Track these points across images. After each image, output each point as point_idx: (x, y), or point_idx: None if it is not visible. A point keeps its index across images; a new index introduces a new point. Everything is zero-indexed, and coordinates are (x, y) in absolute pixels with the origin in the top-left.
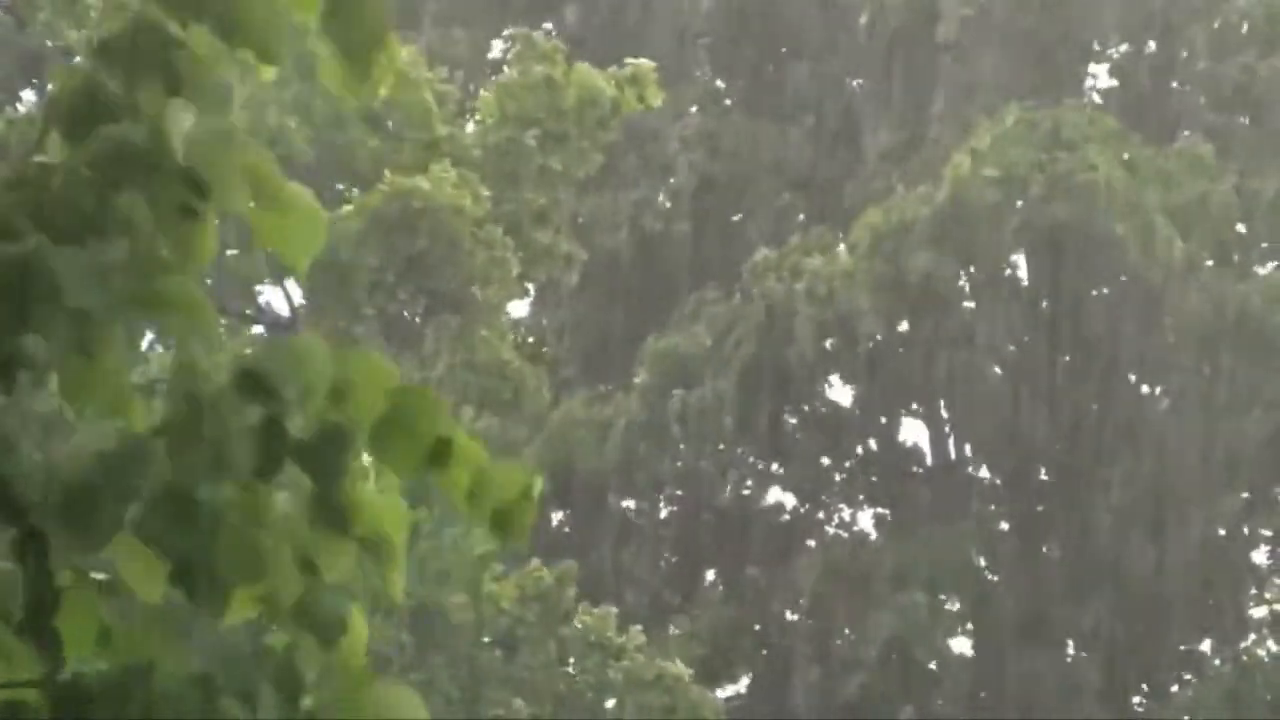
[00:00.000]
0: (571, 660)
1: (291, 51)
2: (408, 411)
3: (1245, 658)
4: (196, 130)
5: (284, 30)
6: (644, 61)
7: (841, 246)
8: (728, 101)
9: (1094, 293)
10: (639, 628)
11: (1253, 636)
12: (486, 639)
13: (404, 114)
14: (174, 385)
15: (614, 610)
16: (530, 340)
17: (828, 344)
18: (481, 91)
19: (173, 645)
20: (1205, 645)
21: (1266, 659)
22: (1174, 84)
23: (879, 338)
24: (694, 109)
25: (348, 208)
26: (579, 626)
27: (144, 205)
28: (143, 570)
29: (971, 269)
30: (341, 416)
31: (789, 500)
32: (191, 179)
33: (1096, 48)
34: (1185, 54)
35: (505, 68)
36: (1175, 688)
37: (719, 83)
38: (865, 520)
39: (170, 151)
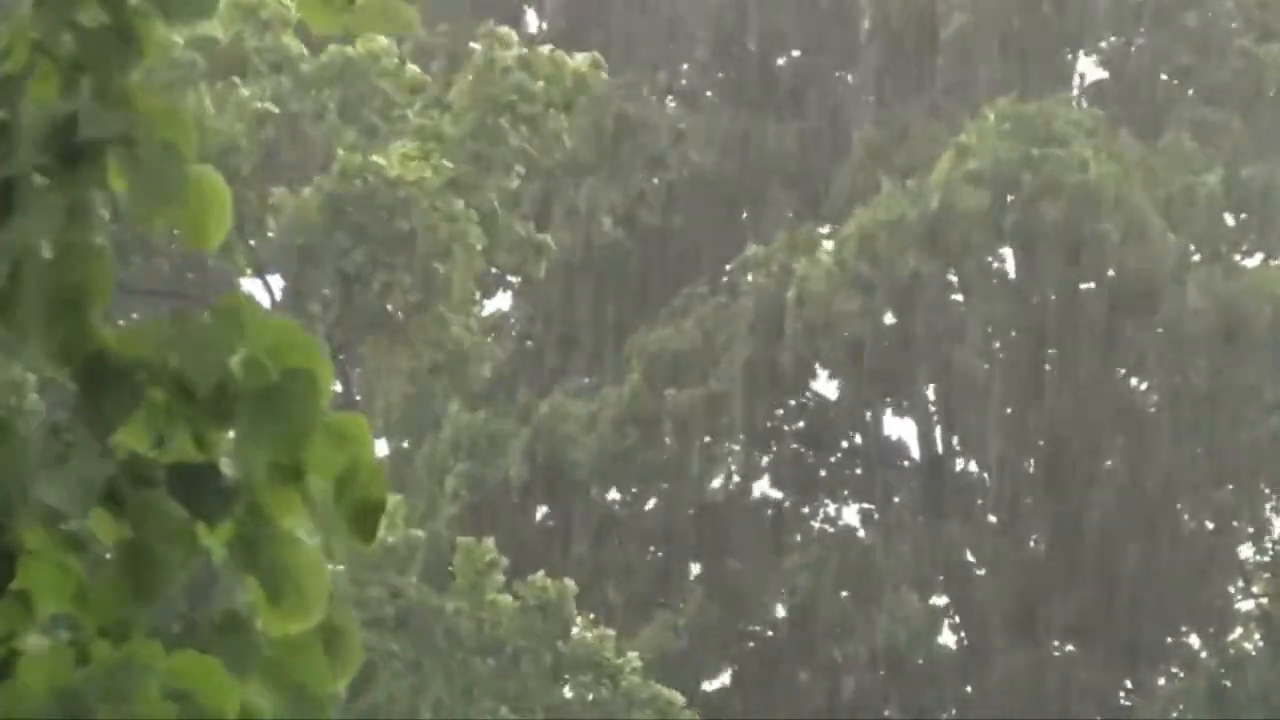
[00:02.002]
0: (566, 676)
1: (267, 48)
2: (287, 389)
3: (1233, 652)
4: (136, 93)
5: None
6: (594, 53)
7: (828, 244)
8: (712, 95)
9: (1083, 288)
10: (636, 654)
11: (1240, 631)
12: (482, 647)
13: (379, 104)
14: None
15: (612, 633)
16: (514, 332)
17: (818, 344)
18: (455, 84)
19: (143, 600)
20: (1193, 640)
21: (1254, 653)
22: (1163, 77)
23: (868, 336)
24: (673, 102)
25: (306, 190)
26: (577, 640)
27: (60, 193)
28: (109, 525)
29: (959, 266)
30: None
31: (776, 496)
32: (130, 142)
33: (1086, 41)
34: (1174, 46)
35: (470, 59)
36: (1162, 682)
37: (708, 77)
38: (852, 516)
39: (105, 120)
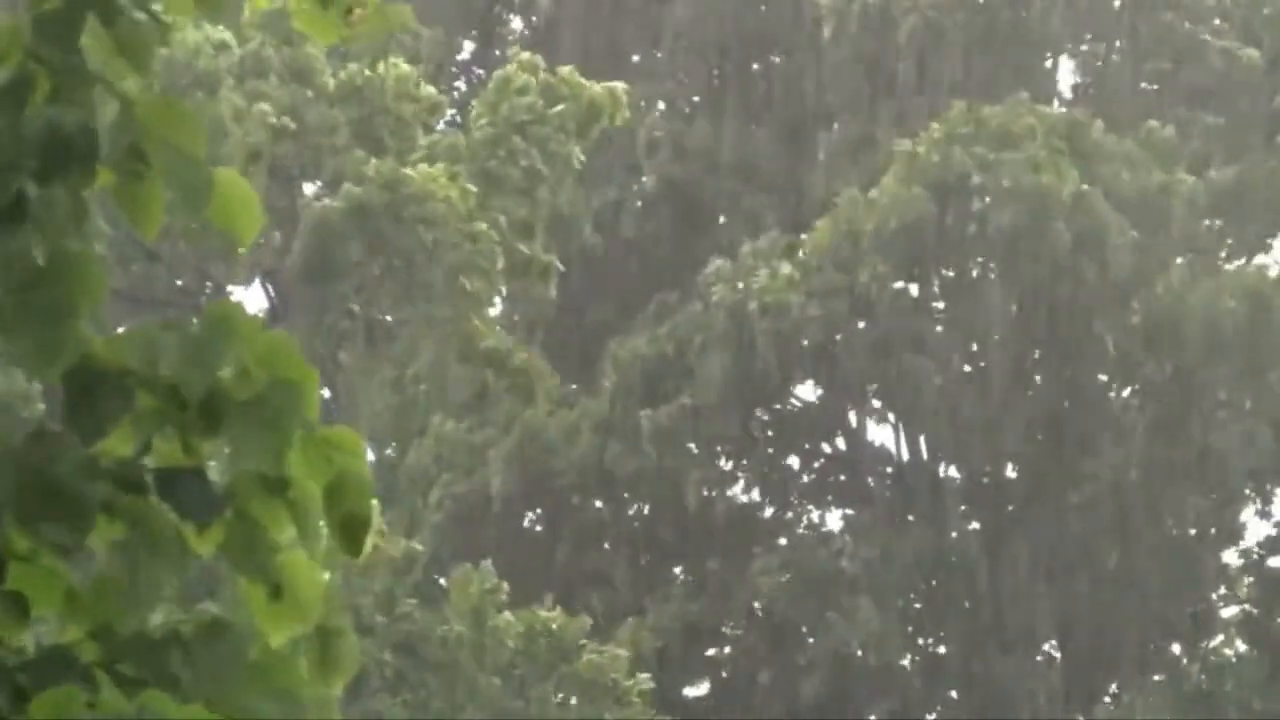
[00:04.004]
0: (573, 699)
1: (281, 56)
2: (274, 400)
3: (1213, 658)
4: (141, 104)
5: None
6: (619, 84)
7: (786, 264)
8: (696, 98)
9: (1056, 293)
10: (647, 675)
11: (1220, 637)
12: (488, 668)
13: (391, 122)
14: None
15: (624, 654)
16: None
17: (786, 352)
18: (473, 102)
19: (132, 605)
20: (1175, 646)
21: (1234, 659)
22: (1141, 81)
23: (839, 342)
24: (661, 106)
25: (329, 202)
26: (584, 664)
27: (66, 193)
28: (101, 529)
29: (922, 272)
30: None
31: (757, 503)
32: (135, 153)
33: (1064, 44)
34: (1153, 48)
35: (480, 71)
36: (1143, 688)
37: (685, 81)
38: (833, 520)
39: (108, 128)
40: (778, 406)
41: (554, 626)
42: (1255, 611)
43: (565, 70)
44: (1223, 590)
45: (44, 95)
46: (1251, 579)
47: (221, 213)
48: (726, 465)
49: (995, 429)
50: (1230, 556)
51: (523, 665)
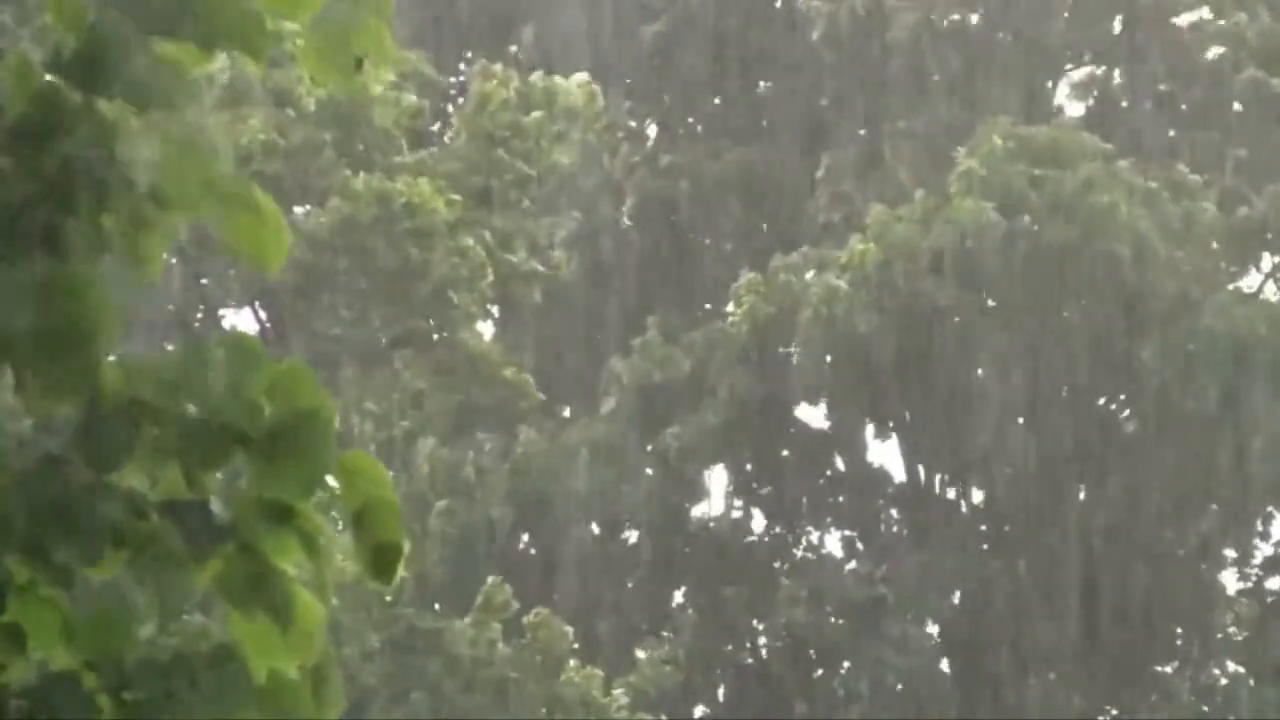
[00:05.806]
0: (558, 716)
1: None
2: (300, 430)
3: (1204, 679)
4: (161, 142)
5: (263, 30)
6: (582, 75)
7: (835, 277)
8: (689, 119)
9: (1065, 315)
10: (621, 690)
11: (1225, 659)
12: (470, 684)
13: (374, 136)
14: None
15: (600, 673)
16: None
17: (821, 371)
18: (452, 120)
19: (129, 635)
20: (1180, 667)
21: (1231, 681)
22: (1142, 102)
23: (877, 361)
24: (653, 127)
25: (317, 214)
26: (567, 680)
27: (83, 226)
28: (107, 555)
29: (969, 291)
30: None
31: (773, 527)
32: (153, 193)
33: (1067, 67)
34: (1153, 72)
35: (466, 93)
36: (1146, 710)
37: (676, 99)
38: (837, 544)
39: (126, 167)
40: (799, 417)
41: (541, 634)
42: (1254, 634)
43: (536, 78)
44: (1225, 612)
45: (65, 130)
46: (1248, 601)
47: (251, 238)
48: (749, 485)
49: (1003, 451)
50: (1230, 578)
51: (511, 673)
